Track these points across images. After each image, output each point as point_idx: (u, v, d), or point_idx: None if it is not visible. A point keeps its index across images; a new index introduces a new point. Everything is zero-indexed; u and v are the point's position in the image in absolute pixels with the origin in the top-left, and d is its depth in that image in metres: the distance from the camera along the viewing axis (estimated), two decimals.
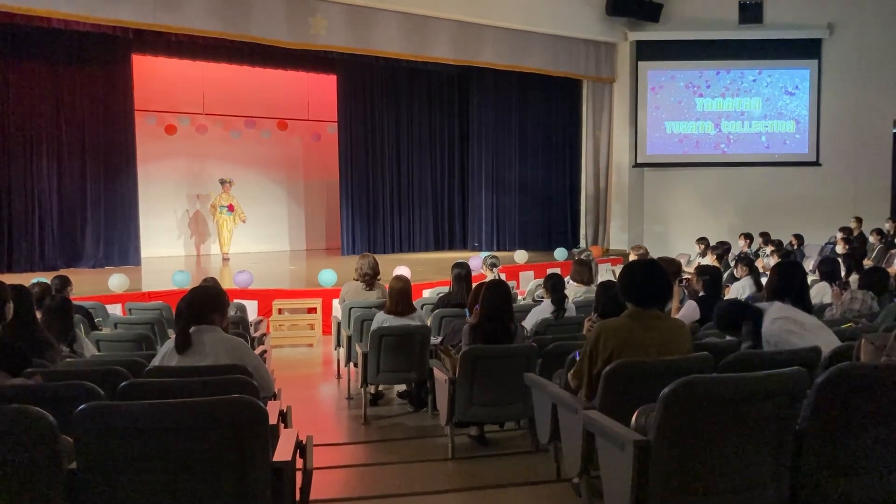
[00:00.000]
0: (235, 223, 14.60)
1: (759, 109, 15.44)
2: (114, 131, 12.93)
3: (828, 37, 14.94)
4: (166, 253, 14.95)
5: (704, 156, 15.55)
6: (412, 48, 13.25)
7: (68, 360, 4.28)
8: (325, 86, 15.40)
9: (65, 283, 6.44)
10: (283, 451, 2.64)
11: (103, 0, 10.38)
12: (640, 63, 15.55)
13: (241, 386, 3.02)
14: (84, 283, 9.70)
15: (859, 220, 12.85)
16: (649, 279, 3.25)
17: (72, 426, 2.31)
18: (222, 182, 14.54)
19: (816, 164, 15.22)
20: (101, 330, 6.23)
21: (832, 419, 2.58)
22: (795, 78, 15.28)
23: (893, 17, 14.53)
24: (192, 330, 3.59)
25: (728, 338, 4.21)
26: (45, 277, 7.41)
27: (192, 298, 3.74)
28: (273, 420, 2.98)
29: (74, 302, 6.00)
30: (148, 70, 13.67)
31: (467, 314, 5.59)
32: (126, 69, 12.98)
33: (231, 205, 14.50)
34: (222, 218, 14.49)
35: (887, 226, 12.65)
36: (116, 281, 9.78)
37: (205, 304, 3.72)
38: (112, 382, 3.17)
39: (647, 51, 15.50)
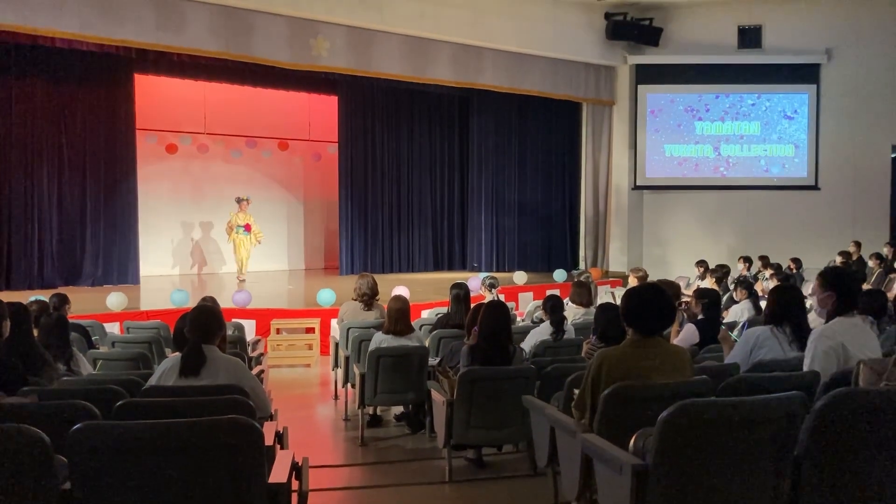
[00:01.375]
0: (253, 243, 14.12)
1: (758, 133, 15.51)
2: (115, 150, 12.96)
3: (826, 62, 15.04)
4: (165, 272, 14.95)
5: (704, 179, 15.60)
6: (413, 70, 13.34)
7: (65, 378, 4.25)
8: (326, 106, 15.48)
9: (63, 301, 6.42)
10: (278, 473, 2.62)
11: (107, 20, 10.47)
12: (639, 86, 15.65)
13: (238, 406, 3.01)
14: (82, 302, 9.67)
15: (858, 245, 12.86)
16: (653, 306, 3.19)
17: (66, 446, 2.30)
18: (238, 200, 14.08)
19: (815, 188, 15.26)
20: (98, 348, 6.20)
21: (831, 445, 2.57)
22: (794, 102, 15.37)
23: (891, 44, 14.64)
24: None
25: (727, 361, 4.21)
26: (44, 295, 7.39)
27: (196, 318, 3.74)
28: (269, 441, 2.97)
29: (72, 320, 5.99)
30: (150, 89, 13.75)
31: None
32: (128, 88, 13.05)
33: (248, 224, 14.00)
34: (239, 238, 13.95)
35: (886, 250, 12.66)
36: (115, 299, 9.76)
37: (209, 323, 3.72)
38: (108, 401, 3.15)
39: (647, 74, 15.61)
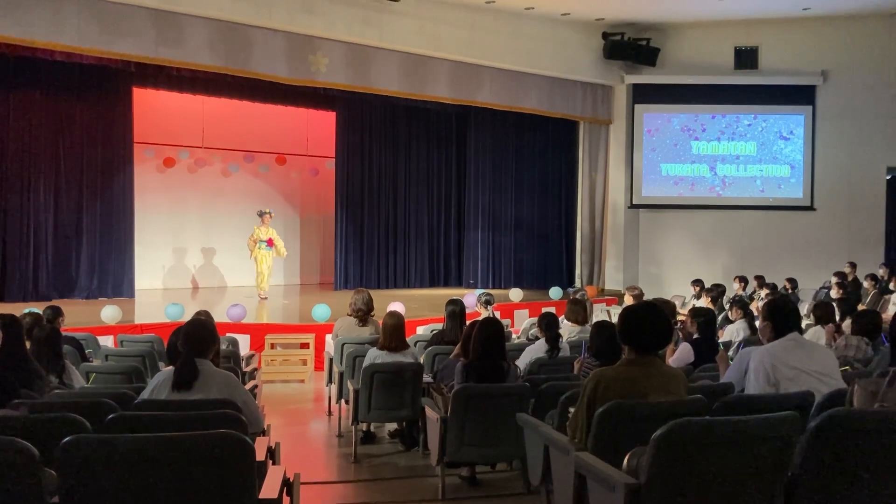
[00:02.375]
0: (275, 257, 13.65)
1: (755, 153, 15.57)
2: (112, 163, 12.96)
3: (822, 83, 15.14)
4: (161, 285, 14.91)
5: (700, 198, 15.65)
6: (411, 87, 13.39)
7: (57, 391, 4.23)
8: (324, 122, 15.52)
9: (56, 313, 6.41)
10: (269, 489, 2.60)
11: (106, 33, 10.50)
12: (636, 106, 15.72)
13: (230, 421, 2.99)
14: (77, 314, 9.65)
15: (853, 266, 12.90)
16: (650, 325, 3.18)
17: (56, 458, 2.28)
18: (261, 214, 13.62)
19: (811, 208, 15.30)
20: (91, 361, 6.18)
21: (825, 465, 2.56)
22: (790, 123, 15.45)
23: (886, 66, 14.74)
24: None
25: (722, 380, 4.20)
26: (38, 308, 7.37)
27: (189, 332, 3.73)
28: (261, 456, 2.95)
29: (65, 333, 5.98)
30: (148, 103, 13.76)
31: None
32: (126, 102, 13.06)
33: (270, 239, 13.52)
34: (261, 253, 13.41)
35: (881, 271, 12.70)
36: (109, 312, 9.73)
37: (202, 337, 3.71)
38: (100, 415, 3.13)
39: (644, 94, 15.68)
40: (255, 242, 13.44)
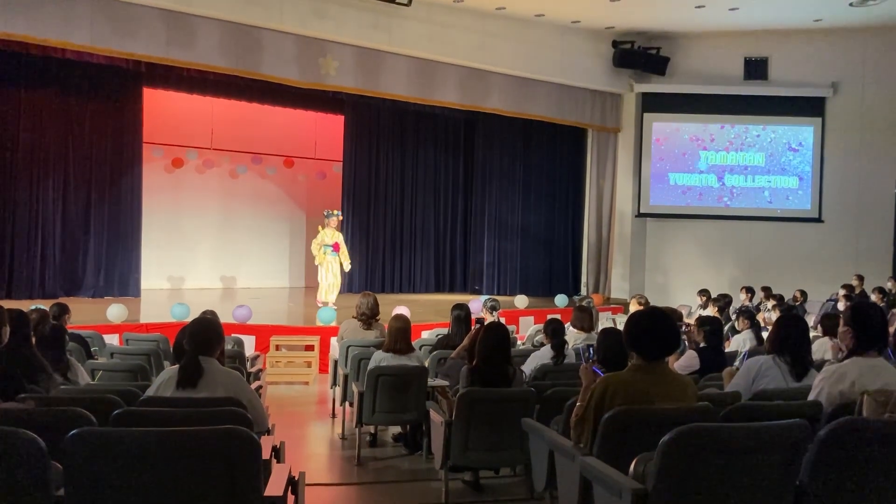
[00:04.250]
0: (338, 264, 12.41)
1: (763, 164, 15.54)
2: (121, 162, 13.00)
3: (831, 95, 15.10)
4: (167, 285, 14.94)
5: (707, 208, 15.61)
6: (420, 92, 13.41)
7: (62, 387, 4.23)
8: (332, 125, 15.55)
9: (63, 310, 6.41)
10: (274, 486, 2.59)
11: (118, 33, 10.55)
12: (645, 114, 15.71)
13: (236, 418, 2.98)
14: (83, 312, 9.66)
15: (861, 278, 12.83)
16: (657, 331, 3.16)
17: (62, 452, 2.27)
18: (327, 215, 12.33)
19: (819, 220, 15.25)
20: (96, 359, 6.18)
21: (834, 474, 2.54)
22: (799, 135, 15.41)
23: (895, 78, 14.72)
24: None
25: (728, 389, 4.17)
26: (45, 305, 7.38)
27: (195, 330, 3.73)
28: (266, 455, 2.94)
29: (71, 330, 5.98)
30: (158, 103, 13.81)
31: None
32: (137, 102, 13.10)
33: (336, 243, 12.26)
34: (326, 260, 12.17)
35: (889, 284, 12.64)
36: (115, 311, 9.75)
37: (208, 336, 3.71)
38: (105, 411, 3.13)
39: (653, 103, 15.67)
40: (321, 247, 12.21)
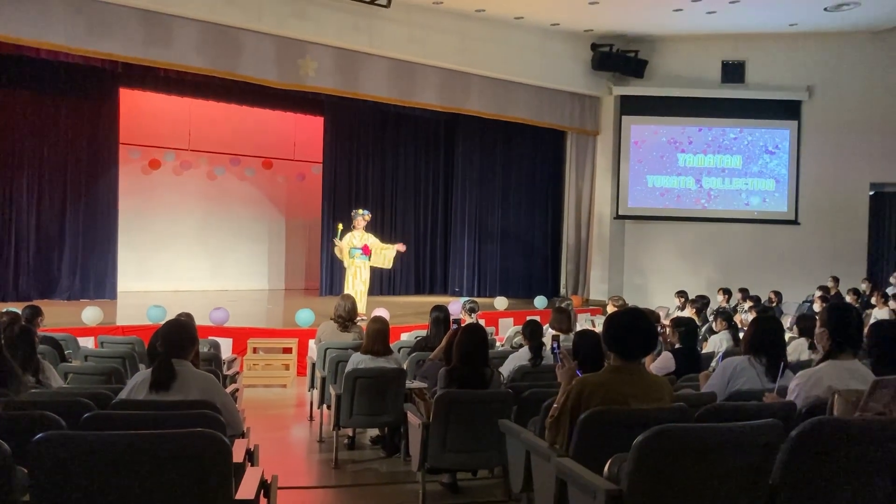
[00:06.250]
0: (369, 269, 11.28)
1: (740, 167, 15.66)
2: (97, 164, 12.88)
3: (807, 99, 15.26)
4: (143, 287, 14.78)
5: (685, 210, 15.72)
6: (399, 93, 13.38)
7: (33, 390, 4.17)
8: (311, 126, 15.50)
9: (35, 313, 6.32)
10: (246, 489, 2.57)
11: (94, 33, 10.43)
12: (623, 117, 15.79)
13: (208, 421, 2.95)
14: (58, 315, 9.55)
15: (836, 280, 12.97)
16: (635, 330, 3.17)
17: (29, 456, 2.23)
18: (354, 215, 11.29)
19: (795, 222, 15.40)
20: (70, 362, 6.10)
21: (806, 473, 2.55)
22: (776, 137, 15.56)
23: (871, 83, 14.88)
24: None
25: (704, 390, 4.19)
26: (18, 308, 7.28)
27: (168, 332, 3.69)
28: (239, 458, 2.91)
29: (44, 333, 5.90)
30: (135, 104, 13.69)
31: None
32: (113, 102, 12.98)
33: (366, 245, 11.14)
34: (354, 264, 11.08)
35: (863, 286, 12.78)
36: (90, 314, 9.64)
37: (181, 338, 3.68)
38: (76, 414, 3.08)
39: (631, 105, 15.76)
40: (349, 250, 11.09)
